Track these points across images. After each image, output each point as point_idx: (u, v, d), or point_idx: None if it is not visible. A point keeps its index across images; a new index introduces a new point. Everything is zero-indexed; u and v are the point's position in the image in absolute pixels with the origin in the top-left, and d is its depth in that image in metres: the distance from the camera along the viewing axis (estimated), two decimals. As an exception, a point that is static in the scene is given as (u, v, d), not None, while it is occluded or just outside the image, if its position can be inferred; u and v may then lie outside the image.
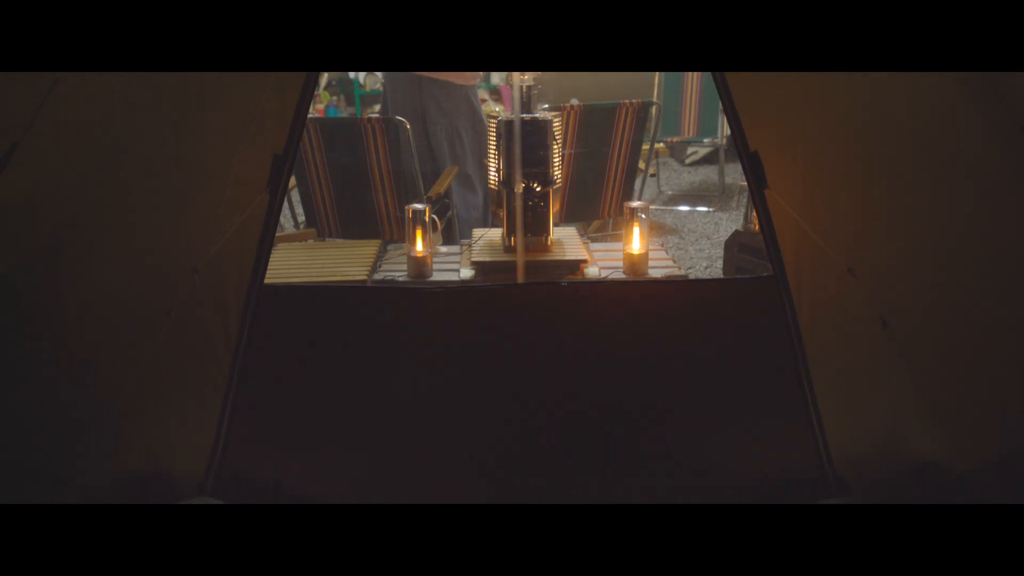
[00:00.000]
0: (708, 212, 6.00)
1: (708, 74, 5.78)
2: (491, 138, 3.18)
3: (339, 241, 4.20)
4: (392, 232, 4.14)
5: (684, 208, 6.13)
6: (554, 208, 3.20)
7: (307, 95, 2.26)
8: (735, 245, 3.76)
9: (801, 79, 1.84)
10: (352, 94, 7.92)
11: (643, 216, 3.16)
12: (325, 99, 7.85)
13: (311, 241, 4.20)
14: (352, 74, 7.85)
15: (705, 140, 6.59)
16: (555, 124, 3.12)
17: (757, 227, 2.72)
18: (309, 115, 2.47)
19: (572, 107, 4.27)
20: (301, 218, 4.46)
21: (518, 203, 3.06)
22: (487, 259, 3.17)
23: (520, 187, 3.05)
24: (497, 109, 7.41)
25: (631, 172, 4.57)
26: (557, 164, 3.17)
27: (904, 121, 1.52)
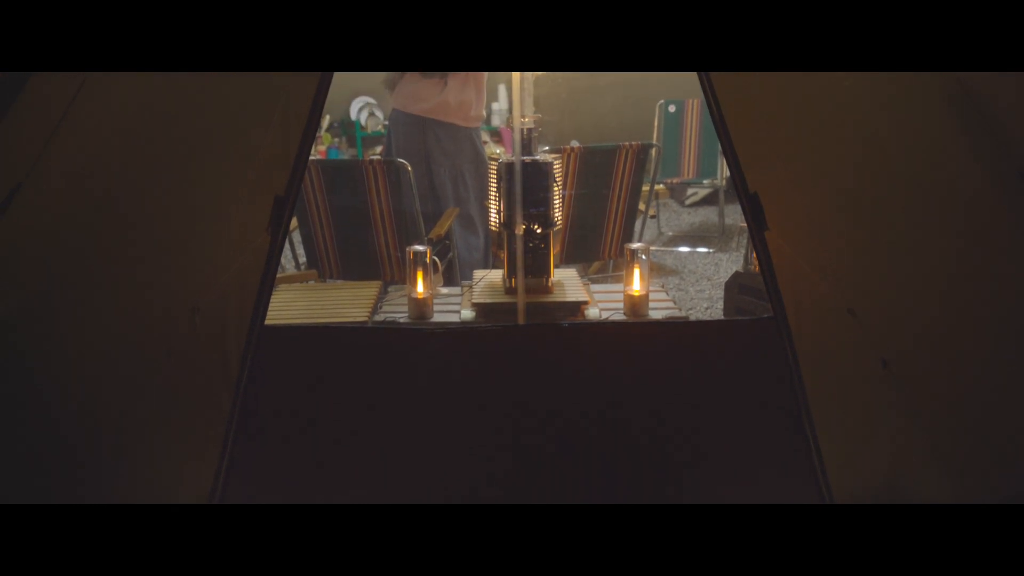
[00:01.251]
0: (708, 253, 6.01)
1: (707, 115, 5.81)
2: (491, 180, 3.20)
3: (340, 282, 4.20)
4: (393, 273, 4.15)
5: (684, 249, 6.14)
6: (555, 250, 3.20)
7: (309, 136, 2.28)
8: (735, 286, 3.76)
9: (800, 120, 1.85)
10: (354, 136, 7.96)
11: (643, 257, 3.16)
12: (327, 141, 7.90)
13: (312, 282, 4.20)
14: (354, 116, 7.90)
15: (705, 181, 6.62)
16: (555, 166, 3.14)
17: (757, 268, 2.73)
18: (311, 156, 2.48)
19: (572, 149, 4.29)
20: (302, 259, 4.47)
21: (519, 245, 3.06)
22: (488, 300, 3.17)
23: (521, 229, 3.06)
24: (498, 151, 7.46)
25: (631, 213, 4.58)
26: (558, 206, 3.18)
27: (902, 164, 1.53)
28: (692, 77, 2.31)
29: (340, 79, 2.40)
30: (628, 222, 4.59)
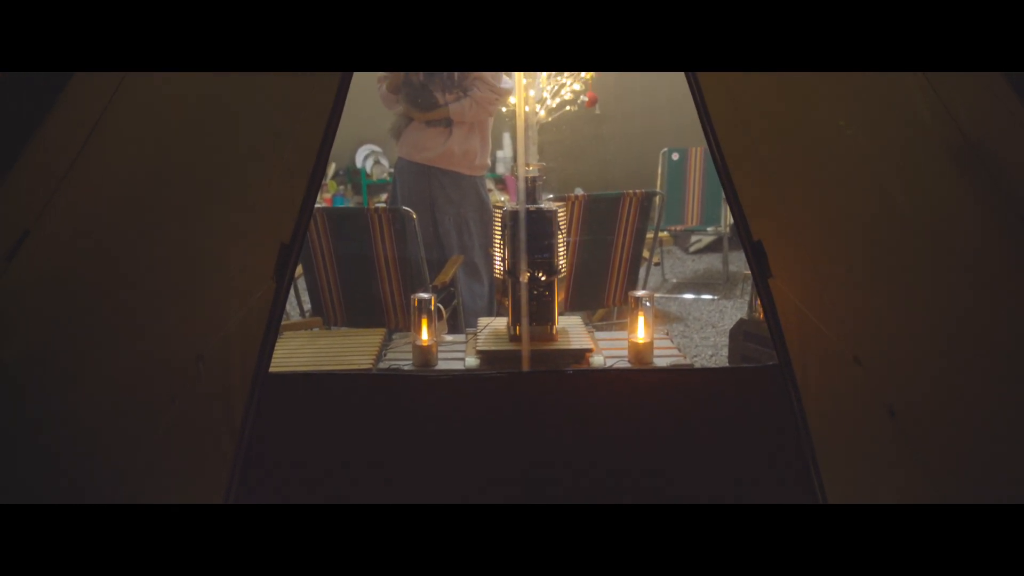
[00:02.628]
0: (713, 300, 6.01)
1: (710, 163, 5.84)
2: (496, 228, 3.21)
3: (344, 330, 4.20)
4: (397, 321, 4.15)
5: (689, 296, 6.14)
6: (559, 297, 3.21)
7: (315, 184, 2.30)
8: (740, 333, 3.75)
9: (802, 168, 1.86)
10: (359, 183, 8.00)
11: (648, 304, 3.16)
12: (332, 188, 7.94)
13: (316, 329, 4.20)
14: (359, 163, 7.95)
15: (709, 228, 6.64)
16: (560, 214, 3.15)
17: (762, 315, 2.72)
18: (316, 204, 2.50)
19: (576, 197, 4.31)
20: (307, 306, 4.48)
21: (523, 292, 3.07)
22: (492, 348, 3.16)
23: (525, 276, 3.07)
24: (502, 199, 7.49)
25: (636, 261, 4.59)
26: (562, 253, 3.19)
27: (906, 212, 1.54)
28: (695, 125, 2.33)
29: (346, 127, 2.42)
30: (632, 269, 4.60)
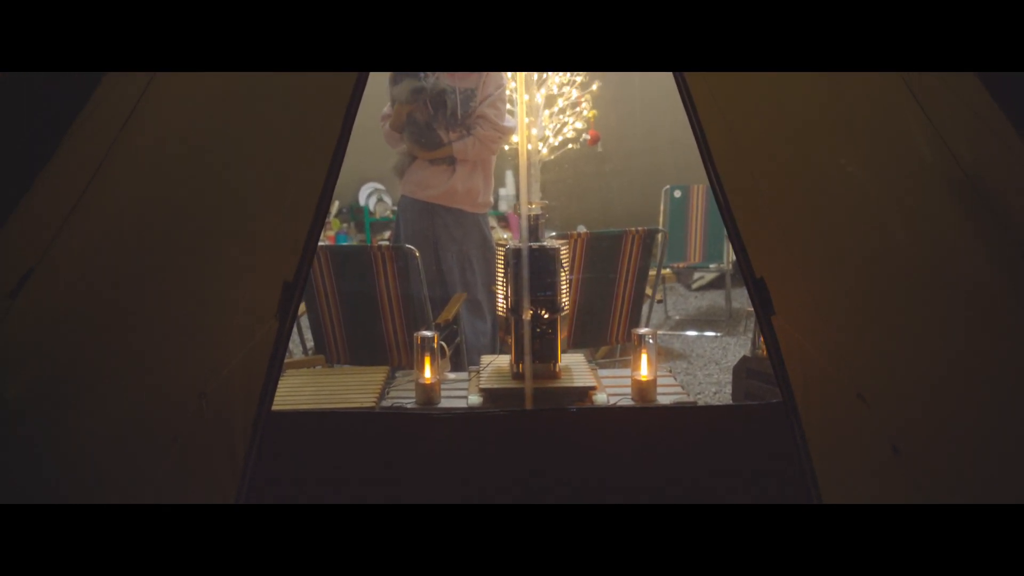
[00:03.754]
0: (716, 337, 6.00)
1: (712, 200, 5.86)
2: (499, 265, 3.22)
3: (347, 368, 4.20)
4: (400, 359, 4.14)
5: (692, 333, 6.13)
6: (562, 335, 3.20)
7: (319, 222, 2.31)
8: (743, 371, 3.74)
9: (805, 205, 1.87)
10: (363, 221, 8.03)
11: (651, 342, 3.16)
12: (336, 226, 7.97)
13: (319, 367, 4.20)
14: (363, 201, 7.98)
15: (711, 265, 6.65)
16: (562, 252, 3.16)
17: (765, 352, 2.72)
18: (320, 242, 2.51)
19: (579, 234, 4.33)
20: (310, 343, 4.47)
21: (526, 330, 3.07)
22: (495, 386, 3.16)
23: (528, 314, 3.07)
24: (505, 236, 7.51)
25: (638, 298, 4.59)
26: (565, 291, 3.19)
27: (906, 246, 1.54)
28: (697, 163, 2.34)
29: (349, 165, 2.43)
30: (635, 307, 4.60)
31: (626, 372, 3.41)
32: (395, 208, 5.69)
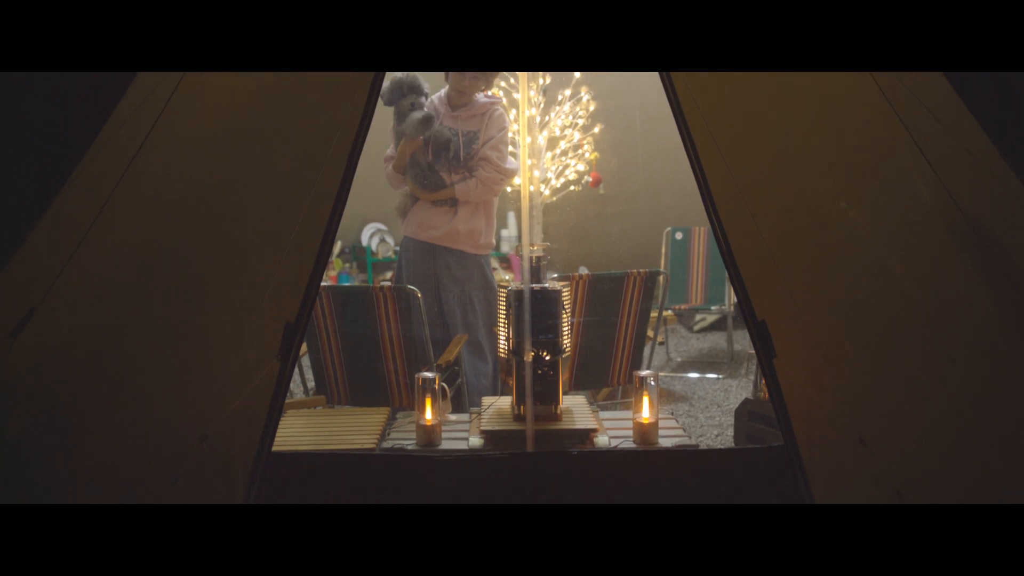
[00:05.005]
0: (718, 379, 5.99)
1: (714, 243, 5.87)
2: (501, 307, 3.22)
3: (348, 408, 4.18)
4: (402, 400, 4.13)
5: (694, 375, 6.12)
6: (563, 376, 3.20)
7: (321, 263, 2.31)
8: (745, 413, 3.73)
9: (806, 249, 1.87)
10: (365, 261, 8.05)
11: (652, 384, 3.15)
12: (338, 266, 7.98)
13: (320, 408, 4.18)
14: (365, 241, 8.00)
15: (713, 307, 6.64)
16: (564, 293, 3.16)
17: (767, 395, 2.71)
18: (322, 282, 2.51)
19: (581, 276, 4.33)
20: (311, 383, 4.46)
21: (527, 372, 3.06)
22: (496, 428, 3.15)
23: (530, 356, 3.07)
24: (507, 277, 7.52)
25: (640, 340, 4.59)
26: (566, 333, 3.19)
27: (907, 289, 1.54)
28: (699, 205, 2.35)
29: (352, 205, 2.45)
30: (637, 348, 4.59)
31: (627, 414, 3.40)
32: (397, 249, 5.70)
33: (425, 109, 4.15)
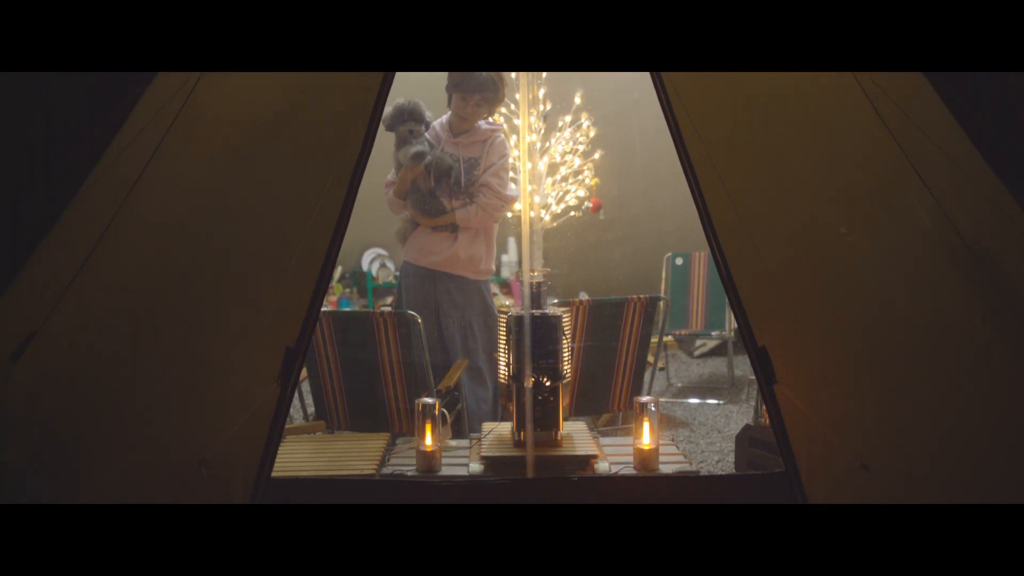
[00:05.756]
0: (718, 405, 5.97)
1: (714, 268, 5.87)
2: (501, 332, 3.22)
3: (348, 434, 4.17)
4: (401, 425, 4.12)
5: (694, 401, 6.10)
6: (564, 402, 3.19)
7: (322, 288, 2.31)
8: (746, 439, 3.72)
9: (807, 276, 1.87)
10: (365, 287, 8.05)
11: (653, 410, 3.15)
12: (338, 291, 7.98)
13: (319, 433, 4.17)
14: (365, 267, 8.01)
15: (713, 333, 6.64)
16: (564, 319, 3.16)
17: (768, 421, 2.70)
18: (322, 307, 2.51)
19: (581, 302, 4.33)
20: (311, 409, 4.45)
21: (528, 397, 3.06)
22: (496, 454, 3.14)
23: (530, 381, 3.06)
24: (507, 303, 7.52)
25: (640, 365, 4.58)
26: (567, 359, 3.19)
27: (908, 315, 1.54)
28: (699, 230, 2.36)
29: (352, 230, 2.45)
30: (637, 374, 4.59)
31: (628, 440, 3.39)
32: (397, 274, 5.71)
33: (424, 137, 4.17)
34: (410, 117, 4.15)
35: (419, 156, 4.12)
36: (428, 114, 4.22)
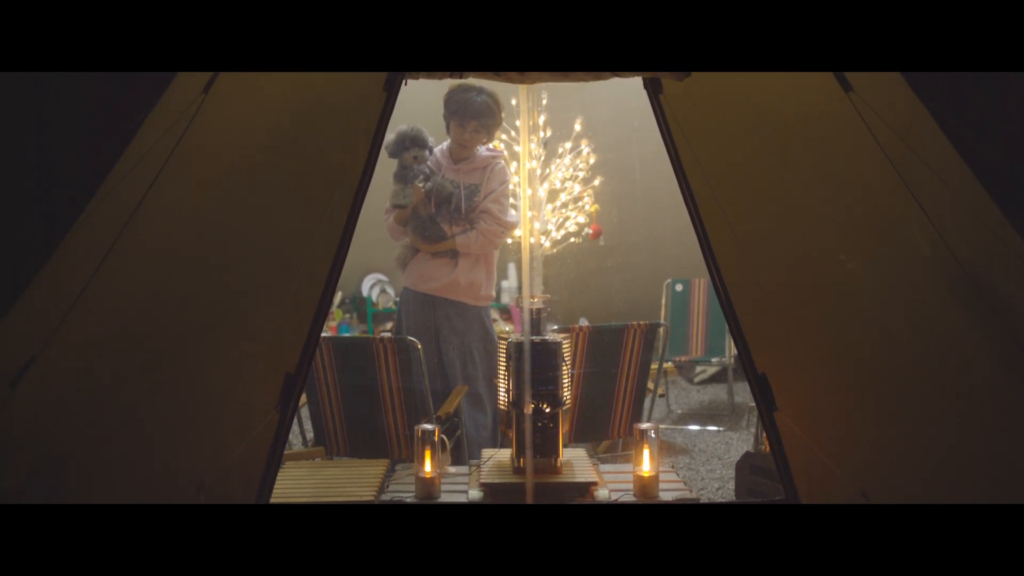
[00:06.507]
0: (718, 432, 5.96)
1: (714, 294, 5.86)
2: (501, 359, 3.21)
3: (347, 460, 4.16)
4: (401, 451, 4.11)
5: (694, 427, 6.09)
6: (563, 429, 3.19)
7: (322, 314, 2.31)
8: (746, 467, 3.71)
9: (806, 303, 1.87)
10: (365, 312, 8.05)
11: (653, 437, 3.14)
12: (338, 317, 7.98)
13: (318, 459, 4.16)
14: (365, 292, 8.01)
15: (713, 359, 6.63)
16: (564, 345, 3.16)
17: (768, 448, 2.70)
18: (322, 333, 2.51)
19: (581, 328, 4.33)
20: (310, 434, 4.44)
21: (527, 424, 3.05)
22: (496, 480, 3.13)
23: (529, 408, 3.06)
24: (507, 329, 7.51)
25: (640, 392, 4.57)
26: (566, 385, 3.18)
27: (908, 342, 1.54)
28: (699, 257, 2.36)
29: (352, 256, 2.45)
30: (637, 401, 4.58)
31: (628, 467, 3.38)
32: (398, 299, 5.71)
33: (427, 164, 4.19)
34: (413, 143, 4.17)
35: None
36: (431, 140, 4.24)
